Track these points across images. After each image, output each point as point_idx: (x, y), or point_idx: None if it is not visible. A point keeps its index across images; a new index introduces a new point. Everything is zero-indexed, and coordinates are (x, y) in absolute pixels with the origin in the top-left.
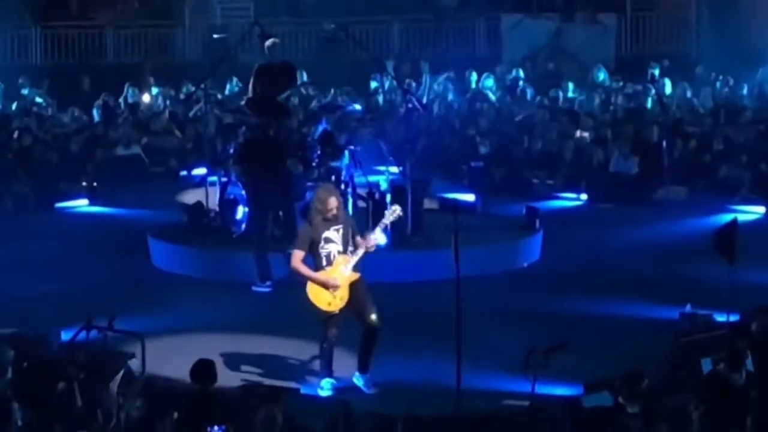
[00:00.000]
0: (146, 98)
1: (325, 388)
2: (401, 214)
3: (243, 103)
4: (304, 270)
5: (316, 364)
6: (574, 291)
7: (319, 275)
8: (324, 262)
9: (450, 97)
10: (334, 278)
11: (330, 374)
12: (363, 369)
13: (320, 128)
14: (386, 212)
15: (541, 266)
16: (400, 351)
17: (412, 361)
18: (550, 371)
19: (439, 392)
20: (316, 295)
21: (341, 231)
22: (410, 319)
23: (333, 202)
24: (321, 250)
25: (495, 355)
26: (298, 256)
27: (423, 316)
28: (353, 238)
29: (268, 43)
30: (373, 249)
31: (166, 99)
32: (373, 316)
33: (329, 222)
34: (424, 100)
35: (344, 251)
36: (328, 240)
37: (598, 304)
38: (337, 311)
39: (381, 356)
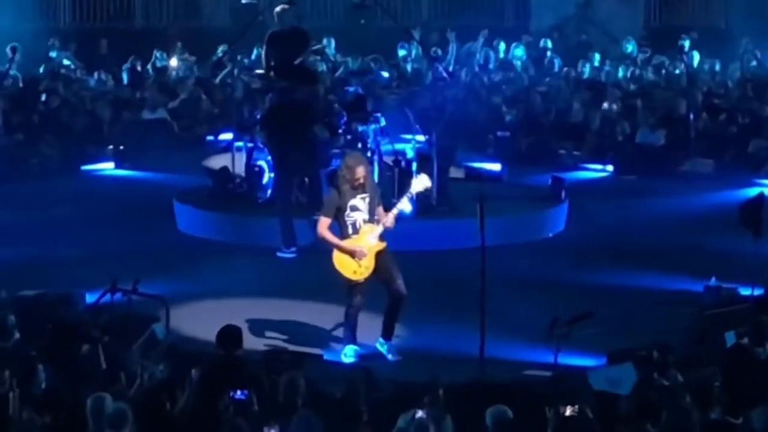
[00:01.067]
0: (174, 63)
1: (348, 354)
2: (429, 184)
3: (268, 69)
4: (331, 238)
5: (340, 331)
6: (599, 262)
7: (346, 243)
8: (350, 230)
9: (477, 66)
10: (360, 247)
11: (354, 341)
12: (387, 336)
13: (350, 91)
14: (413, 180)
15: (566, 237)
16: (424, 319)
17: (436, 330)
18: (573, 342)
19: (463, 361)
20: (342, 263)
21: (368, 200)
22: (435, 288)
23: (361, 170)
24: (347, 218)
25: (519, 325)
26: (324, 223)
27: (447, 285)
28: (377, 208)
29: (277, 9)
30: (392, 226)
31: (193, 64)
32: (400, 285)
33: (356, 190)
34: (451, 69)
35: (370, 220)
36: (354, 208)
37: (623, 275)
38: (363, 279)
39: (405, 324)
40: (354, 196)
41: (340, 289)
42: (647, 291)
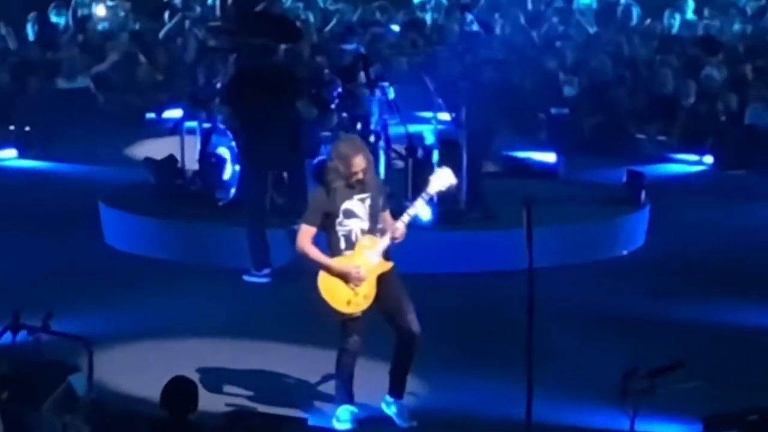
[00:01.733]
0: (101, 11)
1: (342, 419)
2: (455, 181)
3: (229, 19)
4: (314, 254)
5: (330, 386)
6: (691, 291)
7: (336, 263)
8: (343, 244)
9: (523, 16)
10: (357, 267)
11: (349, 400)
12: (396, 393)
13: (348, 51)
14: (431, 177)
15: (647, 255)
16: (447, 370)
17: (465, 384)
18: (656, 402)
19: (501, 428)
20: (331, 290)
21: (368, 202)
22: (462, 326)
23: (360, 162)
24: (339, 227)
25: (580, 378)
26: (306, 233)
27: (480, 322)
28: (381, 213)
29: None
30: (401, 238)
31: (128, 11)
32: (411, 320)
33: (352, 189)
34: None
35: (372, 230)
36: (349, 213)
37: (724, 309)
38: (360, 313)
39: (421, 376)
40: (349, 197)
41: (331, 327)
42: (757, 331)
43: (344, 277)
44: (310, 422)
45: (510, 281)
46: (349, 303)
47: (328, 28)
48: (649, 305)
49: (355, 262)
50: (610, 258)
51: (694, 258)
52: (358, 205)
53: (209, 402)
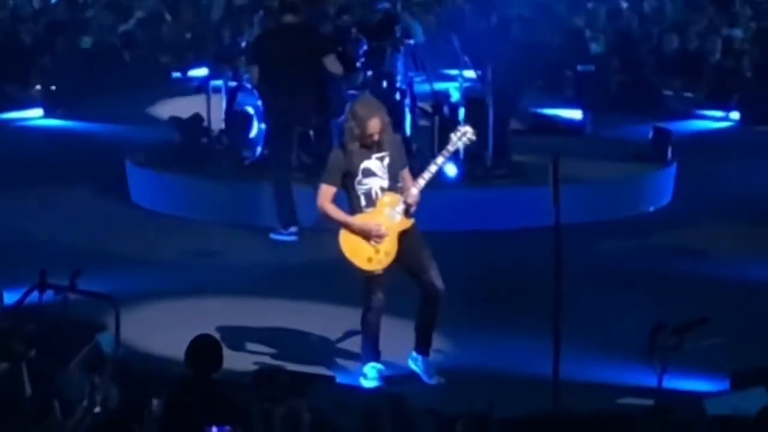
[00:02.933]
0: None
1: (369, 376)
2: (473, 137)
3: None
4: (335, 212)
5: (356, 343)
6: (718, 247)
7: (357, 220)
8: (363, 202)
9: None
10: (377, 225)
11: (376, 357)
12: (422, 349)
13: (377, 9)
14: (453, 135)
15: (674, 212)
16: (474, 327)
17: (491, 341)
18: (684, 358)
19: (528, 384)
20: (353, 247)
21: (387, 160)
22: (489, 284)
23: (375, 123)
24: (358, 186)
25: (607, 335)
26: (327, 192)
27: (506, 279)
28: (401, 172)
29: None
30: (414, 205)
31: None
32: (434, 277)
33: (369, 149)
34: None
35: (391, 187)
36: (368, 172)
37: (751, 265)
38: (382, 270)
39: (448, 334)
40: (367, 157)
41: (357, 286)
42: None
43: (365, 234)
44: (338, 380)
45: (537, 238)
46: (370, 260)
47: None
48: (676, 262)
49: (377, 220)
50: (638, 214)
51: (722, 215)
52: (376, 164)
53: (237, 361)
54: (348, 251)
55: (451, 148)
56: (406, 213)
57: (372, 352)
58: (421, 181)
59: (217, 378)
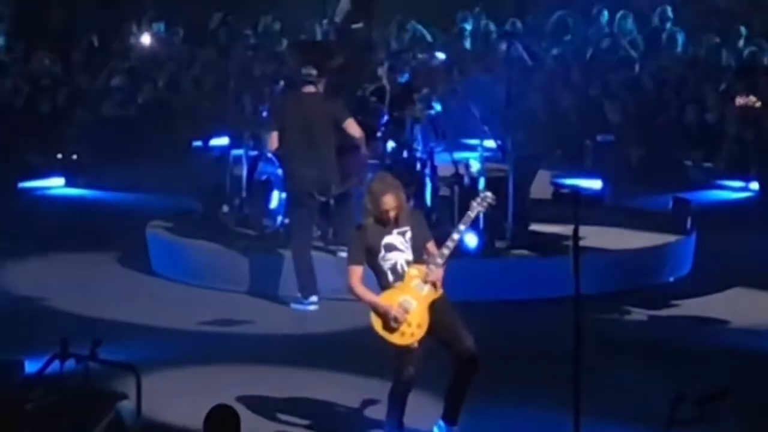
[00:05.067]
0: (146, 39)
1: None
2: (493, 201)
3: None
4: (363, 293)
5: (377, 411)
6: (738, 318)
7: (382, 298)
8: (391, 277)
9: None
10: (401, 310)
11: (400, 427)
12: (449, 418)
13: (399, 80)
14: (473, 202)
15: (693, 282)
16: (494, 397)
17: (510, 412)
18: (705, 430)
19: None
20: (384, 324)
21: (408, 234)
22: (508, 354)
23: (389, 200)
24: (382, 262)
25: (627, 406)
26: (354, 273)
27: (526, 349)
28: (426, 244)
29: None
30: (438, 280)
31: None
32: (469, 345)
33: (386, 226)
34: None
35: (417, 260)
36: (390, 247)
37: None
38: (416, 344)
39: (466, 404)
40: (388, 232)
41: (379, 355)
42: None
43: (386, 314)
44: None
45: (557, 308)
46: (402, 334)
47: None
48: (696, 332)
49: (403, 296)
50: (658, 284)
51: (742, 284)
52: (398, 238)
53: (256, 430)
54: (379, 328)
55: (472, 214)
56: (434, 285)
57: (397, 425)
58: (445, 251)
59: None
